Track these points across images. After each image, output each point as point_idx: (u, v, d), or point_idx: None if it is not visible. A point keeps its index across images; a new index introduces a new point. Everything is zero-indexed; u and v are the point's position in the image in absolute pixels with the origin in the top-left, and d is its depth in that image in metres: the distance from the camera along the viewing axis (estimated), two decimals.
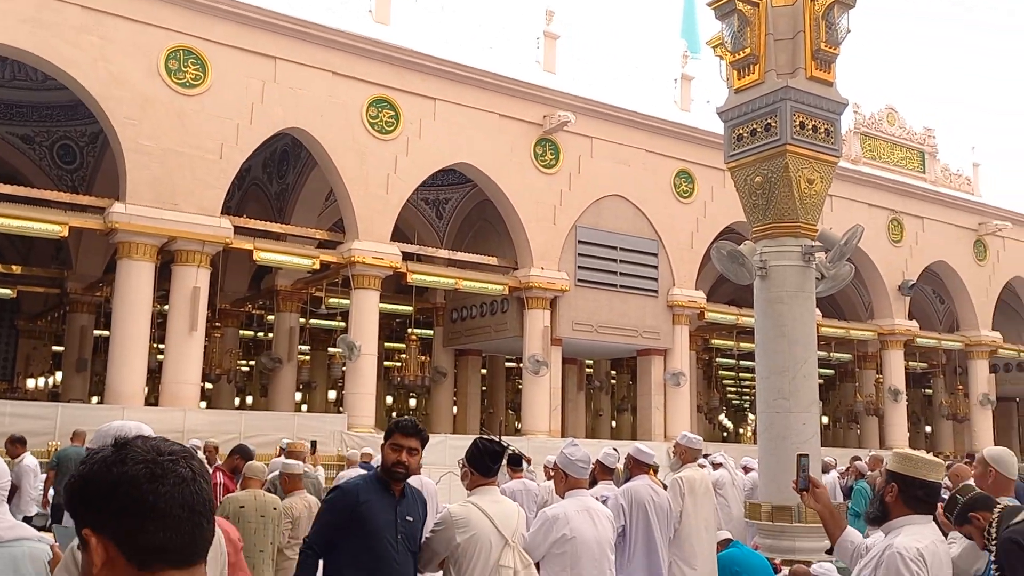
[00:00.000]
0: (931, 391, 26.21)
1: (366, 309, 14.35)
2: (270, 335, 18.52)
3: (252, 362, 21.98)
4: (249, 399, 23.07)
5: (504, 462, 8.25)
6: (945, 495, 4.18)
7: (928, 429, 27.10)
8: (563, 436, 16.81)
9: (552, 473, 4.81)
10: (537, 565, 4.25)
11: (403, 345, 19.19)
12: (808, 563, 6.89)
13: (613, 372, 23.46)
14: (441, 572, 4.00)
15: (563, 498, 4.52)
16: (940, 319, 23.47)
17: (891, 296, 19.57)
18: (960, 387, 22.68)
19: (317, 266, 14.44)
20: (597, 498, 5.86)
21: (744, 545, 6.99)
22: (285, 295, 16.91)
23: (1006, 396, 24.02)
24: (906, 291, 19.55)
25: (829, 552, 7.89)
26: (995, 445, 5.25)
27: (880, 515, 3.18)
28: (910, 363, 22.08)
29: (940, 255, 20.40)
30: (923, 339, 20.69)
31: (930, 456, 3.32)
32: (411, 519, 3.61)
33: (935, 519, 3.81)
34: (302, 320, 17.44)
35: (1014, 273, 21.63)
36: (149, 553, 1.09)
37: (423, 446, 3.63)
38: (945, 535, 4.10)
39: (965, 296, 20.94)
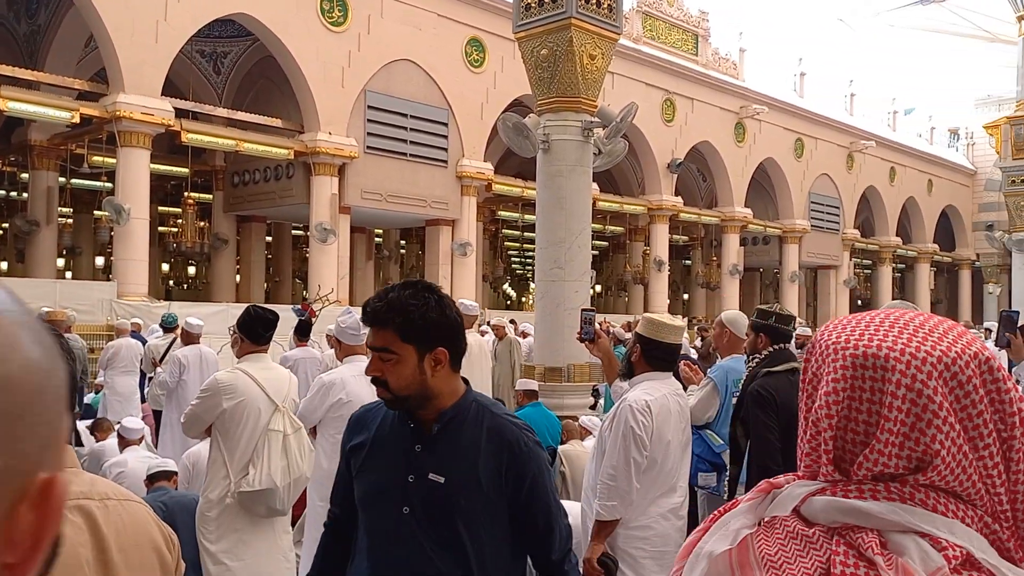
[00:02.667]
0: (690, 262, 28.72)
1: (135, 169, 13.33)
2: (24, 195, 16.81)
3: (6, 225, 19.94)
4: (4, 265, 21.04)
5: (293, 330, 8.25)
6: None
7: (686, 296, 29.87)
8: (351, 305, 16.93)
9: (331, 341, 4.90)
10: (315, 431, 4.39)
11: (179, 210, 18.13)
12: (575, 417, 7.62)
13: (403, 242, 23.61)
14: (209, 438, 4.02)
15: (341, 363, 4.62)
16: (701, 196, 25.53)
17: (661, 173, 20.94)
18: (714, 258, 25.06)
19: (77, 120, 13.09)
20: None
21: (543, 405, 7.50)
22: (41, 151, 15.28)
23: (752, 267, 26.90)
24: (674, 169, 20.98)
25: (592, 408, 8.75)
26: (740, 311, 5.96)
27: (628, 372, 3.53)
28: (674, 236, 24.02)
29: (705, 136, 21.93)
30: (686, 214, 22.44)
31: (672, 320, 3.72)
32: (441, 479, 1.87)
33: (678, 374, 4.32)
34: (62, 180, 15.92)
35: (767, 154, 23.77)
36: None
37: (410, 339, 1.85)
38: (685, 388, 4.68)
39: (724, 175, 22.82)
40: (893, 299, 27.63)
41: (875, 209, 28.73)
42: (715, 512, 0.95)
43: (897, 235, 29.04)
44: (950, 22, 22.66)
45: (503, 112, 11.99)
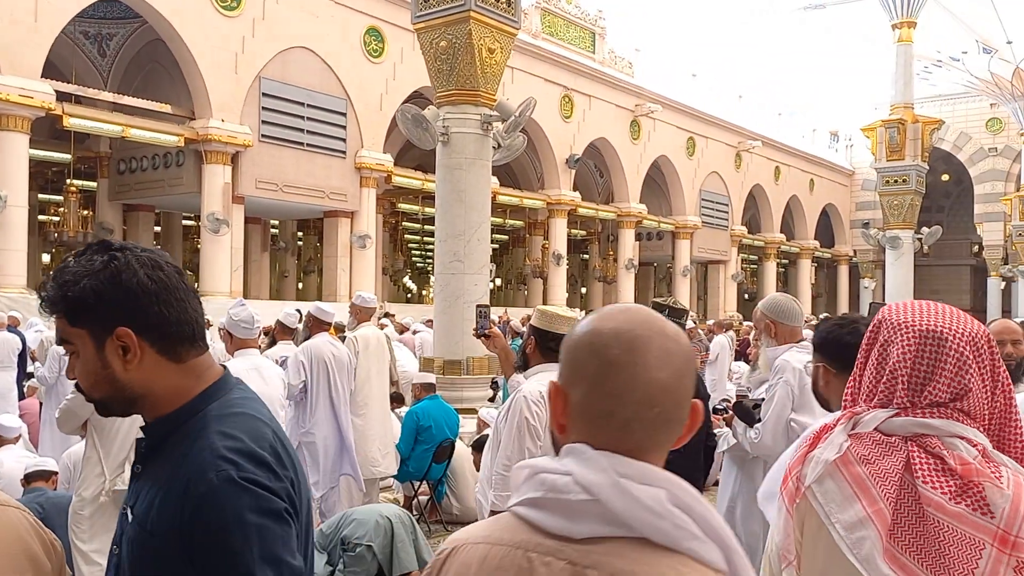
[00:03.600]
0: (587, 256, 29.28)
1: (13, 154, 12.61)
2: None
3: None
4: None
5: None
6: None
7: (584, 290, 30.43)
8: (245, 297, 16.50)
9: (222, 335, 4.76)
10: None
11: (61, 197, 17.24)
12: (475, 410, 7.71)
13: (300, 233, 23.15)
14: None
15: (232, 357, 4.56)
16: (599, 191, 26.04)
17: (559, 168, 21.26)
18: (611, 253, 25.62)
19: None
20: (278, 360, 5.95)
21: (440, 398, 7.52)
22: None
23: (646, 261, 27.67)
24: (572, 164, 21.34)
25: (491, 400, 8.85)
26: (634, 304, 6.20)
27: (523, 364, 3.57)
28: (572, 230, 24.45)
29: (602, 132, 22.39)
30: (584, 209, 22.87)
31: (565, 312, 3.82)
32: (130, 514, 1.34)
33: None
34: None
35: (660, 152, 24.45)
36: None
37: (78, 321, 1.32)
38: None
39: (620, 171, 23.35)
40: (776, 291, 28.90)
41: (761, 207, 29.99)
42: (814, 433, 1.52)
43: (781, 232, 30.40)
44: (833, 28, 23.82)
45: (403, 103, 11.94)
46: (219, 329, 4.73)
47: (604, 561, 0.96)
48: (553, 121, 20.84)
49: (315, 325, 6.13)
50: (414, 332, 12.50)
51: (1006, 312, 25.58)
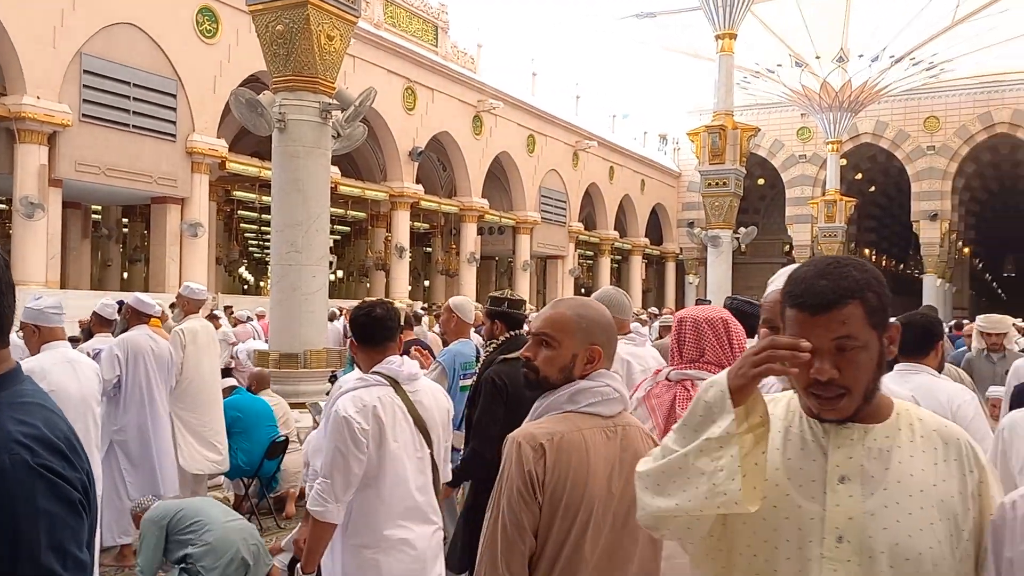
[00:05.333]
0: (430, 249, 29.39)
1: None
2: None
3: None
4: None
5: None
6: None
7: (427, 283, 30.52)
8: (63, 288, 15.41)
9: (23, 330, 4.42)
10: None
11: None
12: (316, 404, 7.63)
13: (125, 220, 21.85)
14: None
15: (38, 352, 4.27)
16: (442, 185, 26.21)
17: (402, 161, 21.23)
18: (453, 246, 25.86)
19: None
20: (90, 352, 5.64)
21: (246, 391, 7.37)
22: None
23: (488, 255, 28.11)
24: (415, 157, 21.36)
25: (328, 394, 8.78)
26: (468, 297, 6.26)
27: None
28: (415, 223, 24.47)
29: (445, 126, 22.55)
30: (427, 202, 22.94)
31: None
32: None
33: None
34: None
35: (502, 148, 24.92)
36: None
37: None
38: None
39: (463, 166, 23.61)
40: (609, 285, 30.15)
41: (596, 205, 31.18)
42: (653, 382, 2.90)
43: (615, 229, 31.74)
44: (663, 37, 25.07)
45: (238, 87, 11.58)
46: (20, 325, 4.35)
47: (625, 422, 2.05)
48: (396, 113, 20.78)
49: (133, 317, 5.85)
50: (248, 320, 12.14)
51: None
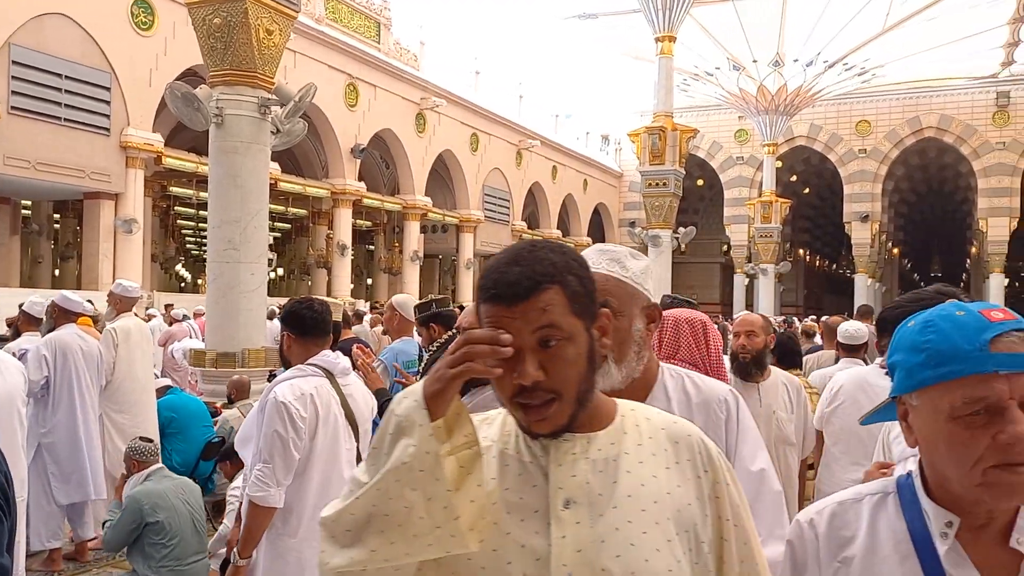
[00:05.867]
0: (373, 247, 29.20)
1: None
2: None
3: None
4: None
5: None
6: None
7: (369, 281, 30.31)
8: None
9: None
10: None
11: None
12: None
13: (57, 215, 21.21)
14: None
15: None
16: (385, 182, 26.06)
17: (344, 158, 21.04)
18: (396, 244, 25.74)
19: None
20: (16, 352, 5.48)
21: (181, 391, 7.24)
22: None
23: (432, 254, 28.05)
24: (357, 154, 21.21)
25: None
26: (419, 296, 6.26)
27: (285, 364, 3.42)
28: (357, 221, 24.28)
29: (388, 123, 22.43)
30: (369, 200, 22.79)
31: (328, 300, 3.92)
32: None
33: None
34: None
35: (445, 146, 24.89)
36: None
37: None
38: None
39: (406, 163, 23.52)
40: None
41: (540, 203, 31.37)
42: None
43: (558, 228, 31.98)
44: (605, 38, 25.33)
45: (175, 80, 11.34)
46: None
47: None
48: (338, 109, 20.60)
49: (60, 316, 5.69)
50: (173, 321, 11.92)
51: (749, 306, 28.51)
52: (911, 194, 37.23)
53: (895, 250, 37.81)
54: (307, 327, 3.16)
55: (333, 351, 3.26)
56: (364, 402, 3.24)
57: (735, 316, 3.97)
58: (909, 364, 1.13)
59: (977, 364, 1.06)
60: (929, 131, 30.67)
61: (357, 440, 3.14)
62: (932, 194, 38.43)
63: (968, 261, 37.81)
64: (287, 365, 3.25)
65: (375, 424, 4.94)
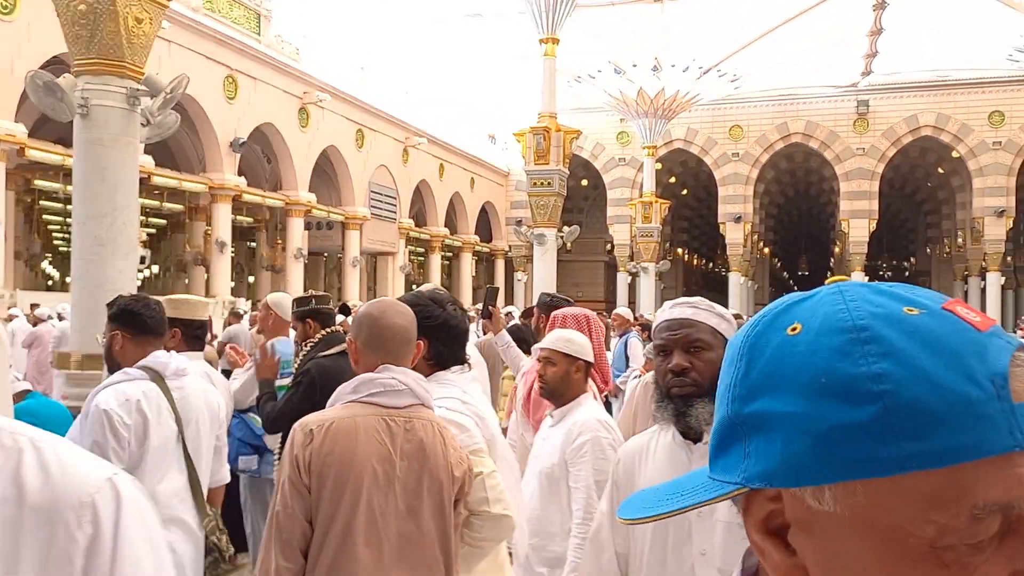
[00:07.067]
0: (255, 244, 28.45)
1: None
2: None
3: None
4: None
5: None
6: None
7: (251, 279, 29.51)
8: None
9: None
10: None
11: None
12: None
13: None
14: None
15: None
16: (267, 178, 25.44)
17: (223, 152, 20.41)
18: (279, 242, 25.18)
19: None
20: None
21: (42, 395, 6.92)
22: None
23: (316, 251, 27.58)
24: (237, 148, 20.61)
25: None
26: (287, 293, 6.16)
27: (112, 366, 3.30)
28: (238, 217, 23.61)
29: (269, 117, 21.90)
30: (250, 195, 22.20)
31: (196, 297, 3.89)
32: None
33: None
34: None
35: (329, 142, 24.51)
36: None
37: None
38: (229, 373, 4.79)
39: (288, 158, 23.02)
40: (439, 282, 30.49)
41: (427, 201, 31.34)
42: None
43: (446, 226, 32.03)
44: (492, 37, 25.53)
45: (38, 68, 10.76)
46: None
47: (415, 414, 2.14)
48: (216, 102, 19.97)
49: None
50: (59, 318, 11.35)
51: (631, 303, 29.38)
52: (780, 196, 39.21)
53: (766, 249, 39.71)
54: (145, 326, 3.05)
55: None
56: (205, 402, 3.12)
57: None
58: (828, 425, 0.52)
59: (1003, 429, 0.50)
60: (796, 136, 32.40)
61: (187, 445, 3.00)
62: (800, 196, 40.59)
63: (832, 260, 40.15)
64: (113, 368, 3.11)
65: (241, 417, 4.90)
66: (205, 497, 3.07)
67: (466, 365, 2.76)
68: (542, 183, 17.32)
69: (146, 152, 16.85)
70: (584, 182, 36.63)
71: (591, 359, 3.23)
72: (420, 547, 2.06)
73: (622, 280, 32.77)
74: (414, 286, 30.86)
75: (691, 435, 1.90)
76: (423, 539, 2.08)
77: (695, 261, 44.77)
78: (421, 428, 2.12)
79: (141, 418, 2.85)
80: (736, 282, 32.26)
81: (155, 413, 2.90)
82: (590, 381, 3.73)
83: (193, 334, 3.67)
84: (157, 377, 2.98)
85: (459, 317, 2.72)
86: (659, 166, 30.65)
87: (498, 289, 5.10)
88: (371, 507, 2.02)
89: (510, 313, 14.89)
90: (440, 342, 2.61)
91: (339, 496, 2.00)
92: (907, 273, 47.36)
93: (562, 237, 18.06)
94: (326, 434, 2.03)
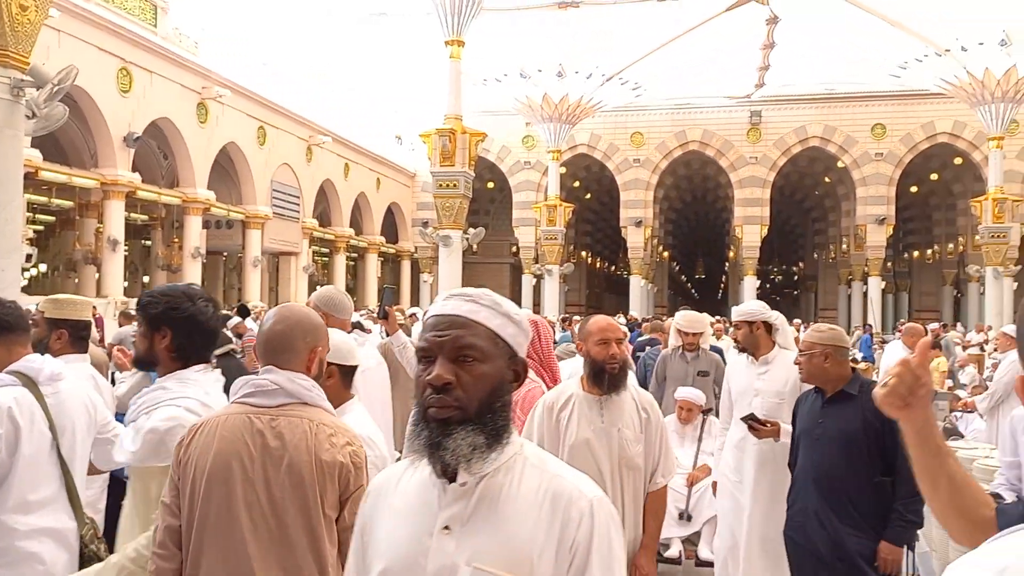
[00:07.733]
0: (150, 242, 27.48)
1: None
2: None
3: None
4: None
5: None
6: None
7: (146, 278, 28.46)
8: None
9: None
10: None
11: None
12: None
13: None
14: None
15: None
16: (163, 174, 24.63)
17: (116, 146, 19.66)
18: (176, 240, 24.40)
19: None
20: None
21: None
22: None
23: (215, 250, 26.83)
24: (131, 143, 19.89)
25: None
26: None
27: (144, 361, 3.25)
28: (132, 214, 22.78)
29: (165, 112, 21.22)
30: (144, 192, 21.44)
31: (79, 297, 3.82)
32: None
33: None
34: None
35: (230, 139, 23.91)
36: None
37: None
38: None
39: (186, 155, 22.35)
40: (343, 283, 30.18)
41: (331, 201, 30.95)
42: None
43: (351, 226, 31.70)
44: (398, 37, 25.43)
45: None
46: None
47: (285, 412, 2.16)
48: (109, 95, 19.23)
49: None
50: None
51: (536, 305, 29.74)
52: (679, 202, 40.44)
53: (665, 253, 40.85)
54: (6, 325, 2.89)
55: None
56: (84, 407, 3.02)
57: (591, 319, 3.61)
58: None
59: None
60: (693, 144, 33.50)
61: (62, 453, 2.90)
62: (697, 202, 41.96)
63: (727, 264, 41.68)
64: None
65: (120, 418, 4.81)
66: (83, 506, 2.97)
67: (209, 365, 2.69)
68: (448, 185, 17.39)
69: (33, 145, 16.09)
70: (490, 184, 36.88)
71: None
72: (287, 545, 2.09)
73: (527, 282, 33.12)
74: (318, 286, 30.39)
75: (448, 472, 1.42)
76: (289, 537, 2.10)
77: (598, 264, 45.66)
78: (287, 425, 2.13)
79: (13, 426, 2.73)
80: (637, 285, 33.09)
81: (28, 420, 2.78)
82: (540, 380, 3.77)
83: (79, 335, 3.58)
84: (30, 383, 2.84)
85: (209, 314, 2.63)
86: (563, 170, 31.17)
87: (395, 289, 5.13)
88: (229, 503, 2.08)
89: (414, 315, 14.95)
90: (183, 335, 2.58)
91: (195, 493, 2.09)
92: (796, 278, 49.61)
93: (467, 239, 18.16)
94: (196, 432, 2.15)
